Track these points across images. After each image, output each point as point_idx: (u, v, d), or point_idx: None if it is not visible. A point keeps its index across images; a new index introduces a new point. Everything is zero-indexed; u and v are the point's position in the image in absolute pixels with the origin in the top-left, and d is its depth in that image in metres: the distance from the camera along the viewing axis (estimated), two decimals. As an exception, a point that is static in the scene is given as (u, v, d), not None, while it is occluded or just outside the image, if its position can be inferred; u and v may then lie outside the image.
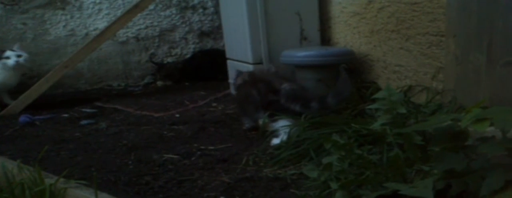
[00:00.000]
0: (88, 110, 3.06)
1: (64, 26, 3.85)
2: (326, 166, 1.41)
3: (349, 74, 2.57)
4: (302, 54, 2.40)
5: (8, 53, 3.16)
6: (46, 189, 1.61)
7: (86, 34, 3.89)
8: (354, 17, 2.55)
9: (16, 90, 3.21)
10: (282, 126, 1.97)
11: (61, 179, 1.63)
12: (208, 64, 3.89)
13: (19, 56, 3.17)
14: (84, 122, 2.73)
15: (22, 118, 2.81)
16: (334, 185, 1.30)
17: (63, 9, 3.83)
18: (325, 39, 2.81)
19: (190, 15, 4.14)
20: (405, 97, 2.04)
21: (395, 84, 2.23)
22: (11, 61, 3.13)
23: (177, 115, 2.78)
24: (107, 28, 3.36)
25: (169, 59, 4.14)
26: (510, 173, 1.06)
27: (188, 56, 4.14)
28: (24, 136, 2.52)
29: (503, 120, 0.99)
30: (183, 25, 4.14)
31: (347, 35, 2.65)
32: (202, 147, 2.10)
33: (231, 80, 2.19)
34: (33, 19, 3.77)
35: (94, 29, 3.87)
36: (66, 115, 2.95)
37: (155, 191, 1.64)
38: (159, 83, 4.02)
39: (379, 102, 1.49)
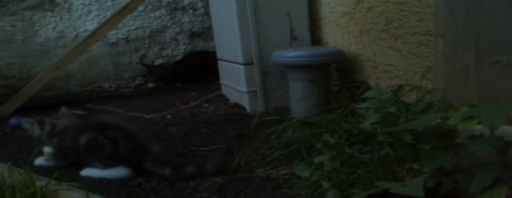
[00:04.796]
0: (79, 112, 3.05)
1: (53, 28, 3.83)
2: (318, 165, 1.42)
3: (340, 74, 2.60)
4: (292, 54, 2.41)
5: None
6: (37, 191, 1.60)
7: (76, 35, 3.87)
8: (344, 17, 2.56)
9: None
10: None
11: (52, 181, 1.63)
12: (199, 65, 3.89)
13: None
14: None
15: (12, 121, 2.79)
16: (325, 184, 1.31)
17: (52, 10, 3.81)
18: (315, 39, 2.83)
19: (180, 16, 4.14)
20: (395, 97, 2.05)
21: (385, 84, 2.24)
22: None
23: (169, 116, 2.77)
24: (97, 30, 3.34)
25: (160, 61, 4.13)
26: (499, 170, 1.08)
27: (178, 57, 4.14)
28: (15, 138, 2.50)
29: (491, 118, 1.01)
30: (173, 26, 4.13)
31: (337, 35, 2.66)
32: (194, 148, 2.10)
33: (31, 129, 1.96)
34: (22, 21, 3.75)
35: (84, 31, 3.86)
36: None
37: (147, 192, 1.63)
38: (150, 84, 4.01)
39: (369, 101, 1.50)
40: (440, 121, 1.22)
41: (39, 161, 1.96)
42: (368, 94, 1.54)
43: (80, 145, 1.82)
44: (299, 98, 2.39)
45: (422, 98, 1.95)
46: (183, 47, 4.18)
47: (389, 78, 2.24)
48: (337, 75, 2.62)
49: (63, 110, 2.04)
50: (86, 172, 1.79)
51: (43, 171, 1.86)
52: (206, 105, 2.98)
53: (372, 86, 1.75)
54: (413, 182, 1.13)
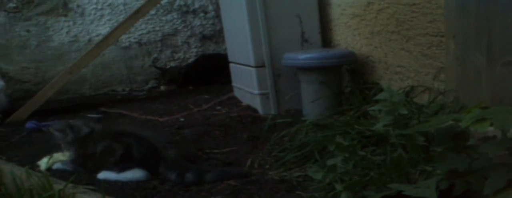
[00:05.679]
0: (93, 115, 3.09)
1: (67, 33, 3.88)
2: (331, 167, 1.43)
3: (352, 75, 2.61)
4: (304, 56, 2.42)
5: None
6: (55, 194, 1.64)
7: (89, 40, 3.92)
8: (354, 19, 2.57)
9: (5, 112, 3.14)
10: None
11: (69, 185, 1.66)
12: (211, 68, 3.92)
13: None
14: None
15: (29, 124, 2.83)
16: (339, 187, 1.32)
17: (66, 15, 3.86)
18: (326, 41, 2.84)
19: (192, 20, 4.17)
20: (407, 98, 2.06)
21: (397, 85, 2.25)
22: None
23: (182, 119, 2.80)
24: (109, 34, 3.38)
25: (172, 64, 4.17)
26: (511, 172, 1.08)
27: (190, 60, 4.17)
28: (31, 142, 2.54)
29: (503, 119, 1.01)
30: (185, 30, 4.17)
31: (348, 37, 2.67)
32: (207, 150, 2.12)
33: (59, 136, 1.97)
34: (36, 26, 3.81)
35: (97, 35, 3.90)
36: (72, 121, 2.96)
37: (162, 195, 1.66)
38: (163, 87, 4.04)
39: (381, 103, 1.51)
40: (452, 123, 1.23)
41: (57, 164, 2.00)
42: (380, 96, 1.55)
43: (97, 153, 1.88)
44: (311, 100, 2.41)
45: (434, 99, 1.95)
46: (195, 50, 4.21)
47: (401, 80, 2.25)
48: (348, 77, 2.62)
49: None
50: (103, 175, 1.83)
51: (59, 174, 1.89)
52: (218, 108, 3.00)
53: (384, 88, 1.77)
54: (425, 184, 1.14)
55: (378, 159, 1.44)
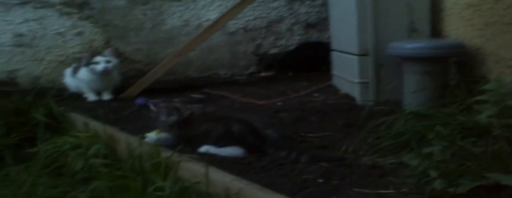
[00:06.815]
0: (197, 96, 3.25)
1: (179, 17, 4.09)
2: (427, 155, 1.40)
3: (459, 68, 2.49)
4: (410, 46, 2.36)
5: (98, 58, 3.18)
6: (162, 161, 1.78)
7: (199, 24, 4.09)
8: (468, 9, 2.45)
9: (118, 88, 3.40)
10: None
11: (176, 154, 1.79)
12: (312, 56, 3.93)
13: (108, 62, 3.19)
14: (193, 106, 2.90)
15: (139, 101, 3.05)
16: (433, 173, 1.30)
17: (179, 0, 4.08)
18: (436, 31, 2.72)
19: (298, 7, 4.21)
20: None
21: (508, 79, 2.11)
22: (99, 67, 3.15)
23: (279, 103, 2.85)
24: (218, 19, 3.53)
25: (274, 50, 4.24)
26: None
27: (292, 47, 4.22)
28: (140, 116, 2.72)
29: None
30: (290, 17, 4.21)
31: (459, 28, 2.55)
32: (302, 134, 2.16)
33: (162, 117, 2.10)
34: (152, 10, 4.06)
35: (206, 20, 4.07)
36: (177, 99, 3.13)
37: (257, 170, 1.73)
38: (263, 73, 4.14)
39: (487, 94, 1.44)
40: None
41: (162, 138, 2.15)
42: (487, 86, 1.48)
43: (199, 133, 2.01)
44: (413, 91, 2.34)
45: (548, 95, 1.82)
46: (298, 37, 4.25)
47: (513, 74, 2.11)
48: (455, 69, 2.51)
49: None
50: (204, 148, 1.95)
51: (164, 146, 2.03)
52: (316, 94, 3.02)
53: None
54: (527, 176, 1.09)
55: (477, 150, 1.38)
